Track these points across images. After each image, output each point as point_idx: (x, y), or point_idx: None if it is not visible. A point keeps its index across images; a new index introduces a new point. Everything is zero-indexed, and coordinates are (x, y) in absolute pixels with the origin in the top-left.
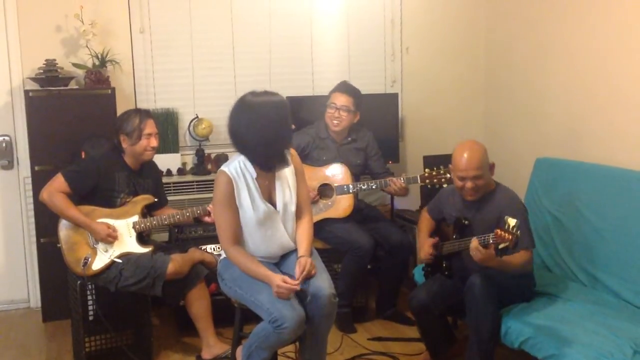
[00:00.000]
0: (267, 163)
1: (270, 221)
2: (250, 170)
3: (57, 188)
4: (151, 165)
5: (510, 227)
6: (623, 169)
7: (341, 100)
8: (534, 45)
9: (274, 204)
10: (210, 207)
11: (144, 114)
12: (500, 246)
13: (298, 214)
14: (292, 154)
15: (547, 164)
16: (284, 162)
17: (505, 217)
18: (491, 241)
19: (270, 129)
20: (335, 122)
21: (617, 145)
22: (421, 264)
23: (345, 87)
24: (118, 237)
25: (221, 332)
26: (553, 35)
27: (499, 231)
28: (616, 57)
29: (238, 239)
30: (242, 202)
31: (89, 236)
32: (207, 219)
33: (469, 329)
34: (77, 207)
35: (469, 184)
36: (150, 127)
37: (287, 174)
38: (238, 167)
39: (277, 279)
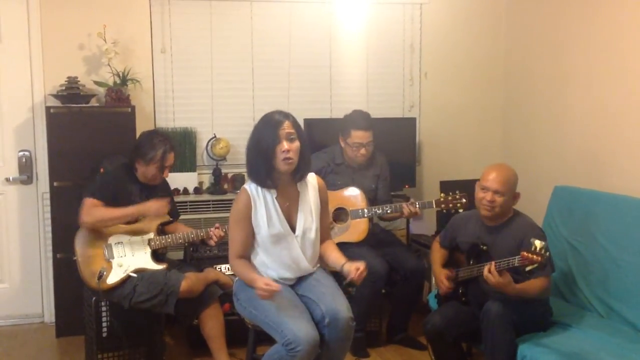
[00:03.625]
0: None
1: (286, 242)
2: (271, 189)
3: (90, 206)
4: (163, 186)
5: (538, 248)
6: None
7: (364, 137)
8: (554, 72)
9: (293, 227)
10: (210, 230)
11: (168, 145)
12: (528, 268)
13: (321, 239)
14: (320, 184)
15: (565, 192)
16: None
17: (532, 239)
18: (516, 264)
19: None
20: (360, 158)
21: (637, 174)
22: (436, 290)
23: (362, 123)
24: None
25: (234, 352)
26: (573, 62)
27: (525, 253)
28: (639, 85)
29: (244, 255)
30: (258, 220)
31: (105, 250)
32: (210, 242)
33: (485, 356)
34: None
35: (488, 196)
36: (170, 160)
37: (312, 201)
38: (259, 186)
39: (260, 281)
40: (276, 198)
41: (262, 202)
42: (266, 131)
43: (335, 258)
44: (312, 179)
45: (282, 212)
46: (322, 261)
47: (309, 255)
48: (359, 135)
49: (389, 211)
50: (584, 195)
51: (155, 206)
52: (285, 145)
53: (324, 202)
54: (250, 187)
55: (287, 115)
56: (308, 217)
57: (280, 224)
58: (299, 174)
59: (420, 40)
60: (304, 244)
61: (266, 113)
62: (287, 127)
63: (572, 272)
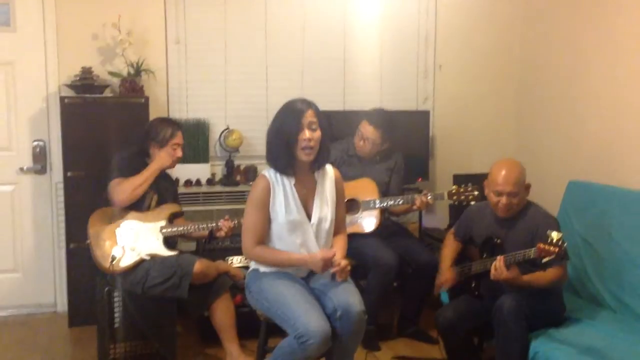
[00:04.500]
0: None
1: (302, 230)
2: (290, 176)
3: (116, 185)
4: (168, 175)
5: (554, 240)
6: None
7: (367, 130)
8: (570, 65)
9: (309, 215)
10: (220, 222)
11: (176, 125)
12: (545, 260)
13: (335, 231)
14: (337, 176)
15: (579, 187)
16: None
17: (548, 231)
18: (532, 256)
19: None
20: (358, 148)
21: None
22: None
23: (374, 118)
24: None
25: (245, 344)
26: (590, 54)
27: (542, 245)
28: None
29: (261, 241)
30: (276, 206)
31: (118, 235)
32: (218, 234)
33: (496, 351)
34: (110, 209)
35: (504, 200)
36: (179, 138)
37: (328, 191)
38: (278, 173)
39: (317, 257)
40: (294, 185)
41: (280, 189)
42: (288, 119)
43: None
44: (329, 169)
45: (299, 199)
46: None
47: (323, 245)
48: (364, 127)
49: (400, 202)
50: (598, 191)
51: (171, 157)
52: (307, 133)
53: (340, 194)
54: (269, 173)
55: (310, 104)
56: (324, 207)
57: (298, 210)
58: (317, 163)
59: (435, 33)
60: (318, 233)
61: (289, 100)
62: (309, 116)
63: (586, 268)
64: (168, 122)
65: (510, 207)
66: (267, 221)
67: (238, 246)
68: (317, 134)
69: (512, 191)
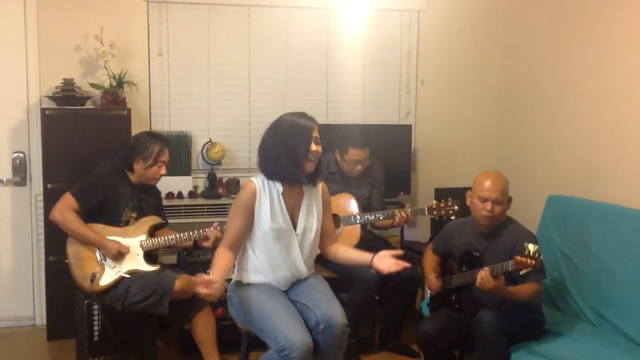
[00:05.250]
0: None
1: (286, 239)
2: (278, 185)
3: (67, 206)
4: (153, 186)
5: (532, 252)
6: (636, 210)
7: (360, 154)
8: (550, 80)
9: (295, 225)
10: (207, 230)
11: (164, 142)
12: (522, 272)
13: (330, 241)
14: (323, 188)
15: (559, 201)
16: (307, 180)
17: (525, 243)
18: (510, 268)
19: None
20: (357, 172)
21: (631, 185)
22: (429, 297)
23: (358, 141)
24: (129, 251)
25: (226, 358)
26: (570, 71)
27: (519, 258)
28: (635, 97)
29: (233, 246)
30: (261, 213)
31: (98, 252)
32: (204, 243)
33: None
34: (88, 225)
35: (488, 206)
36: (166, 156)
37: (314, 202)
38: (266, 180)
39: (201, 278)
40: (282, 194)
41: (267, 196)
42: (297, 136)
43: (360, 255)
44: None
45: (286, 208)
46: (344, 262)
47: (306, 256)
48: (356, 153)
49: (381, 217)
50: (577, 205)
51: (115, 250)
52: (313, 147)
53: (327, 205)
54: (258, 180)
55: (314, 120)
56: (310, 217)
57: (284, 219)
58: (312, 177)
59: (417, 48)
60: (303, 243)
61: (289, 114)
62: (315, 132)
63: (565, 281)
64: (156, 137)
65: (493, 216)
66: (245, 228)
67: None
68: (320, 147)
69: (498, 198)
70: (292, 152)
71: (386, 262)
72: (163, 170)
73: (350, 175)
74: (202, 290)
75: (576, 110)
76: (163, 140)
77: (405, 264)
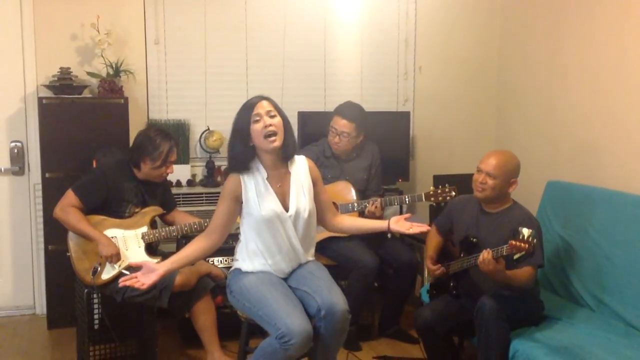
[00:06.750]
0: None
1: (279, 223)
2: (262, 171)
3: (69, 203)
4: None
5: (525, 236)
6: (636, 195)
7: (341, 125)
8: (549, 66)
9: (286, 207)
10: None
11: (174, 141)
12: (516, 256)
13: (331, 214)
14: (310, 165)
15: (558, 187)
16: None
17: (519, 228)
18: (505, 252)
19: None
20: (335, 145)
21: (630, 171)
22: (428, 284)
23: (346, 112)
24: (121, 258)
25: (226, 345)
26: (568, 56)
27: (513, 242)
28: (635, 81)
29: (213, 232)
30: (249, 199)
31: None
32: None
33: (478, 350)
34: (87, 219)
35: (480, 177)
36: (175, 155)
37: (303, 181)
38: (243, 173)
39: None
40: (267, 179)
41: (252, 183)
42: (242, 113)
43: (372, 222)
44: (301, 160)
45: (274, 192)
46: (353, 231)
47: (302, 236)
48: (337, 122)
49: (356, 208)
50: (576, 190)
51: (108, 252)
52: (266, 120)
53: (317, 180)
54: None
55: (262, 97)
56: (301, 197)
57: (273, 203)
58: (287, 152)
59: (414, 34)
60: (297, 224)
61: None
62: (265, 106)
63: (564, 267)
64: (165, 136)
65: (484, 187)
66: (229, 214)
67: (220, 247)
68: (278, 120)
69: (490, 172)
70: (240, 133)
71: (403, 224)
72: (171, 170)
73: (337, 152)
74: (124, 282)
75: (574, 96)
76: (172, 138)
77: (426, 226)
